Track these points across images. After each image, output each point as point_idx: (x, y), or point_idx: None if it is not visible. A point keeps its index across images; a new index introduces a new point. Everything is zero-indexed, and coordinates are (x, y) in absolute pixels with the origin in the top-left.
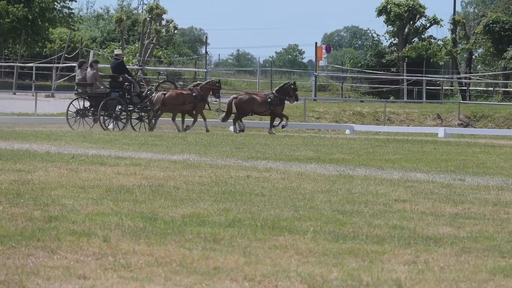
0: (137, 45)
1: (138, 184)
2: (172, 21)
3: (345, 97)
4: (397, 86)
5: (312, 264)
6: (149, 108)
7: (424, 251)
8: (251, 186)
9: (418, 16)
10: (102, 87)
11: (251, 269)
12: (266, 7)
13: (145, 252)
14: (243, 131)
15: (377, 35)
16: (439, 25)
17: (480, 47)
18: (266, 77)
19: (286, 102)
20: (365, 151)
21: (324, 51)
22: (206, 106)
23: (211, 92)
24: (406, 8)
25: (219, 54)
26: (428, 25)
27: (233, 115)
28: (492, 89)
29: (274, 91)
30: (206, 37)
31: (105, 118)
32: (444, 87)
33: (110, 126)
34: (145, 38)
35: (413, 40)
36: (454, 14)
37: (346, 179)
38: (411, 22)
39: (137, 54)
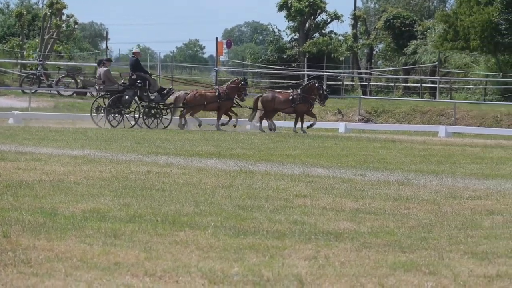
0: (37, 40)
1: (38, 179)
2: (73, 16)
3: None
4: (298, 81)
5: (213, 260)
6: (171, 106)
7: (324, 246)
8: (151, 181)
9: (319, 11)
10: (115, 85)
11: (151, 264)
12: (167, 2)
13: (45, 247)
14: (274, 130)
15: (278, 30)
16: (339, 21)
17: (380, 43)
18: (167, 72)
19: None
20: (266, 146)
21: (224, 46)
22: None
23: (238, 91)
24: (307, 3)
25: (119, 49)
26: (329, 20)
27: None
28: (392, 84)
29: (298, 90)
30: (107, 32)
31: (115, 115)
32: (344, 82)
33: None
34: (45, 33)
35: (314, 35)
36: (354, 9)
37: (246, 174)
38: (312, 17)
39: (37, 49)
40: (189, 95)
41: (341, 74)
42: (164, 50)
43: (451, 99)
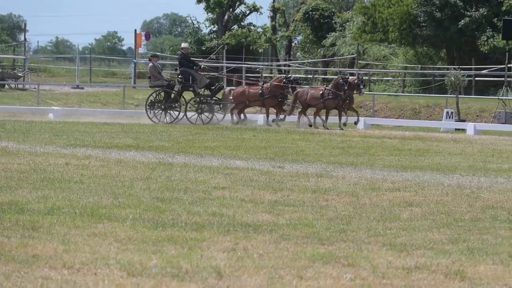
0: None
1: None
2: None
3: None
4: (217, 74)
5: (131, 252)
6: (219, 101)
7: (243, 238)
8: (70, 174)
9: (237, 3)
10: (159, 81)
11: (70, 256)
12: None
13: None
14: (311, 126)
15: (197, 22)
16: (258, 13)
17: (299, 35)
18: (86, 64)
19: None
20: (185, 138)
21: (143, 38)
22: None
23: (281, 89)
24: None
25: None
26: (247, 12)
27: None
28: (311, 76)
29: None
30: (25, 23)
31: (158, 110)
32: (263, 74)
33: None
34: None
35: (233, 27)
36: (273, 1)
37: (165, 166)
38: (231, 9)
39: None
40: (233, 92)
41: (260, 66)
42: (82, 42)
43: (369, 91)
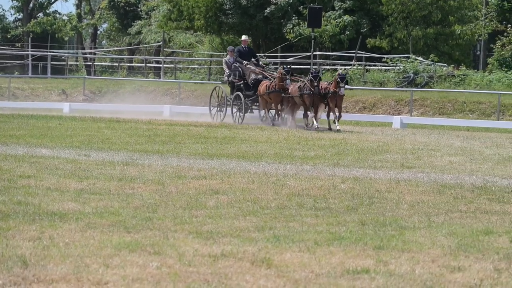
0: None
1: None
2: None
3: None
4: (22, 62)
5: None
6: (255, 98)
7: (49, 227)
8: None
9: None
10: (224, 77)
11: None
12: None
13: None
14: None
15: (3, 10)
16: (64, 0)
17: (105, 22)
18: None
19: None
20: None
21: None
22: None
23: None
24: None
25: None
26: (53, 0)
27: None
28: (117, 64)
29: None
30: None
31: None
32: (69, 62)
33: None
34: None
35: (38, 15)
36: None
37: None
38: None
39: None
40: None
41: (65, 54)
42: None
43: (175, 79)
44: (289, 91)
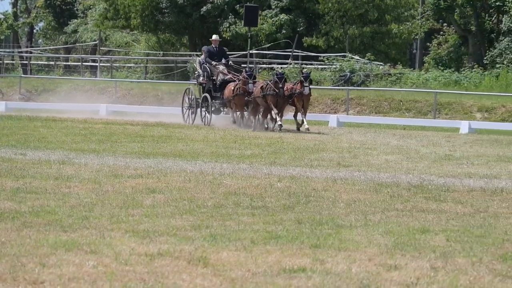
0: None
1: None
2: None
3: None
4: None
5: None
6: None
7: None
8: None
9: None
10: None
11: None
12: None
13: None
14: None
15: None
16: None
17: (41, 21)
18: None
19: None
20: None
21: None
22: None
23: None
24: None
25: None
26: None
27: None
28: (53, 63)
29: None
30: None
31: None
32: (5, 61)
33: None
34: None
35: None
36: None
37: None
38: None
39: None
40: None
41: (1, 53)
42: None
43: (112, 78)
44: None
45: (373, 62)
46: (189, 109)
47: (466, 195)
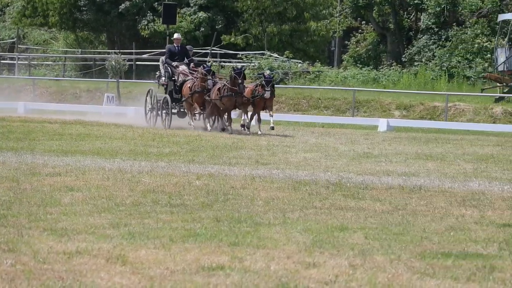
0: None
1: None
2: None
3: None
4: None
5: None
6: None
7: None
8: None
9: None
10: None
11: None
12: None
13: None
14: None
15: None
16: None
17: None
18: None
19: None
20: None
21: None
22: None
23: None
24: None
25: None
26: None
27: None
28: None
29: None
30: None
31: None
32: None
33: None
34: None
35: None
36: None
37: None
38: None
39: None
40: None
41: None
42: None
43: (30, 75)
44: (211, 93)
45: (291, 60)
46: (151, 112)
47: (385, 192)
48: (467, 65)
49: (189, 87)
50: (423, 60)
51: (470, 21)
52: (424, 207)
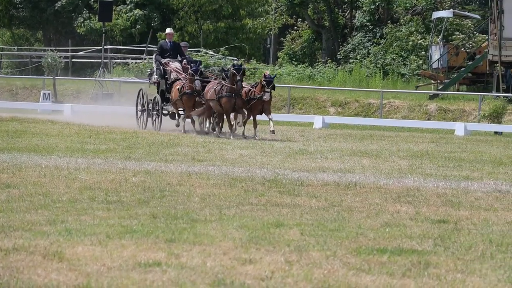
0: None
1: None
2: None
3: None
4: None
5: None
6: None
7: None
8: None
9: None
10: None
11: None
12: None
13: None
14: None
15: None
16: None
17: None
18: None
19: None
20: None
21: None
22: None
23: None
24: None
25: None
26: None
27: None
28: None
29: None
30: None
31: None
32: None
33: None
34: None
35: None
36: None
37: None
38: None
39: None
40: None
41: None
42: None
43: None
44: (204, 93)
45: (227, 57)
46: (142, 112)
47: (320, 189)
48: (402, 63)
49: (178, 89)
50: (358, 58)
51: (405, 18)
52: (360, 203)
